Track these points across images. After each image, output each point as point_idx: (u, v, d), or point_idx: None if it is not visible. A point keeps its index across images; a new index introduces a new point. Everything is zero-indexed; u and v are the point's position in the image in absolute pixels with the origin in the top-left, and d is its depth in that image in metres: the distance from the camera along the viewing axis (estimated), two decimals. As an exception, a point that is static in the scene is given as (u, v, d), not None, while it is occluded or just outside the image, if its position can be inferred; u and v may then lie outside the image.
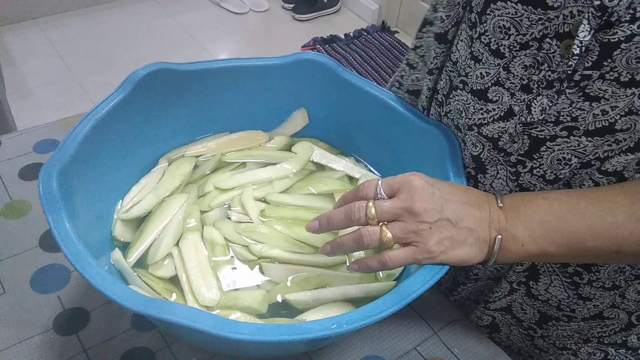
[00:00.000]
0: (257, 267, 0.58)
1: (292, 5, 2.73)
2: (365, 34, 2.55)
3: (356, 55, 2.40)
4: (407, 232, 0.47)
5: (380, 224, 0.48)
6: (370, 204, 0.48)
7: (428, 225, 0.47)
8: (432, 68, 0.60)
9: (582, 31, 0.42)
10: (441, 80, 0.60)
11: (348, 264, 0.53)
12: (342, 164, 0.70)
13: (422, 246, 0.47)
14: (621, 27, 0.41)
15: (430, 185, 0.48)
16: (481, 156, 0.55)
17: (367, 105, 0.67)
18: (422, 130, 0.62)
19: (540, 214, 0.48)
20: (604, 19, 0.41)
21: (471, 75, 0.53)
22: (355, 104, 0.68)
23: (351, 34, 2.54)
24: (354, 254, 0.59)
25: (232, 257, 0.59)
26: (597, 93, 0.45)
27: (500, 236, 0.48)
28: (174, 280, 0.56)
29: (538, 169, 0.51)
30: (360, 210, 0.48)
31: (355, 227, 0.49)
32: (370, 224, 0.48)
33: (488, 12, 0.49)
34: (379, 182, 0.49)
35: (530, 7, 0.45)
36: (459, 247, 0.48)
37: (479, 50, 0.51)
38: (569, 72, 0.44)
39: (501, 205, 0.50)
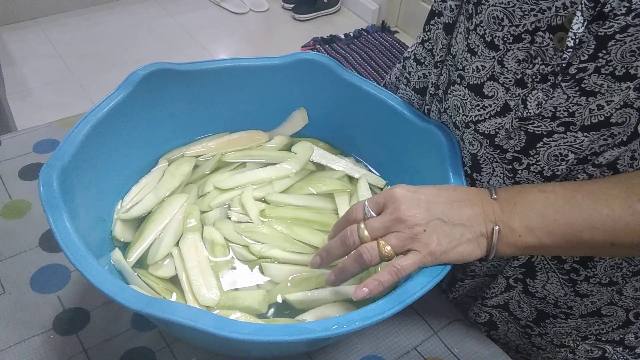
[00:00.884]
0: (257, 267, 0.58)
1: (292, 5, 2.73)
2: (365, 34, 2.55)
3: (356, 55, 2.40)
4: (404, 239, 0.47)
5: (377, 239, 0.48)
6: (362, 225, 0.49)
7: (422, 228, 0.47)
8: (438, 60, 0.60)
9: (576, 23, 0.42)
10: (442, 75, 0.60)
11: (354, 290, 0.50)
12: (342, 164, 0.70)
13: (424, 249, 0.47)
14: (617, 20, 0.41)
15: (413, 192, 0.49)
16: (478, 154, 0.55)
17: (367, 105, 0.67)
18: (422, 130, 0.62)
19: (536, 206, 0.48)
20: (597, 10, 0.41)
21: (468, 69, 0.53)
22: (355, 104, 0.68)
23: (351, 34, 2.53)
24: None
25: (232, 257, 0.59)
26: (592, 88, 0.45)
27: (497, 227, 0.48)
28: (174, 280, 0.56)
29: (535, 166, 0.51)
30: (353, 233, 0.49)
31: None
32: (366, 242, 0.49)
33: (483, 2, 0.49)
34: (366, 202, 0.50)
35: None
36: (458, 244, 0.48)
37: (474, 42, 0.51)
38: (563, 65, 0.44)
39: (495, 197, 0.50)
